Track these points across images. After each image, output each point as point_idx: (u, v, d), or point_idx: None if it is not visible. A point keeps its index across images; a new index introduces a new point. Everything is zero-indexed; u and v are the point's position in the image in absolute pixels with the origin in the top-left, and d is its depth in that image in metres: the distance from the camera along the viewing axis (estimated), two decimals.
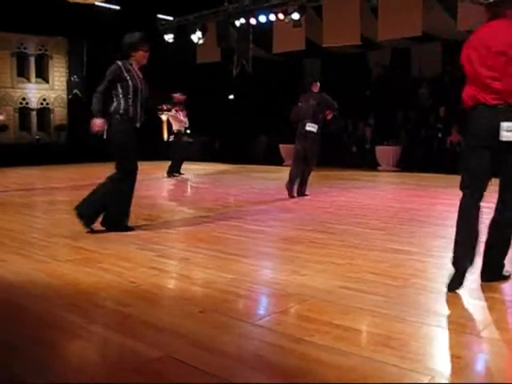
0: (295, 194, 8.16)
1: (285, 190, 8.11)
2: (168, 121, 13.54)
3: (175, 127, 12.30)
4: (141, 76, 5.37)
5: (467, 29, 12.46)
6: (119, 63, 5.23)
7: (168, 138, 12.80)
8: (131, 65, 5.29)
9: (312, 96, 8.18)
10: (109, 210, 5.33)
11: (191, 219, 5.96)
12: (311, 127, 8.06)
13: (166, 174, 12.07)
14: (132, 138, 5.26)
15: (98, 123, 5.14)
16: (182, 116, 12.24)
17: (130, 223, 5.46)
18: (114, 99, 5.24)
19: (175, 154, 12.18)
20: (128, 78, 5.21)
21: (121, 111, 5.19)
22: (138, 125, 5.33)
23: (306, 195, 8.25)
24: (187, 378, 2.20)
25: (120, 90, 5.20)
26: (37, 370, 2.31)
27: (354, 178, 11.54)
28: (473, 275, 3.79)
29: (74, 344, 2.65)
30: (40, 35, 18.03)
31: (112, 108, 5.23)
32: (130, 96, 5.21)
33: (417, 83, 16.12)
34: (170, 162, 12.23)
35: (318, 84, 8.36)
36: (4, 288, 3.53)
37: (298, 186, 8.26)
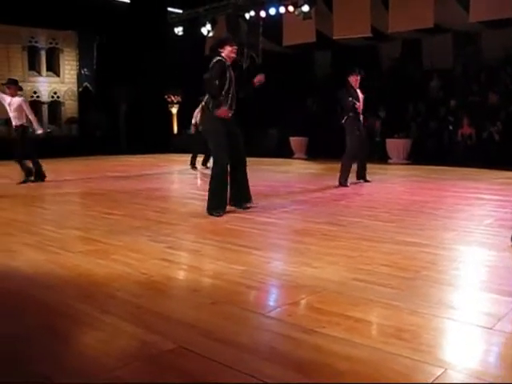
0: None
1: (296, 183, 8.12)
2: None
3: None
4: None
5: (479, 20, 12.42)
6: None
7: (192, 130, 12.64)
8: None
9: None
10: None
11: (202, 211, 5.97)
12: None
13: (202, 165, 12.08)
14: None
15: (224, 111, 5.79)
16: None
17: (142, 214, 5.48)
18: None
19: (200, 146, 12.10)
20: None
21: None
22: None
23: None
24: (201, 369, 2.21)
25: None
26: (51, 360, 2.33)
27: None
28: (483, 268, 3.78)
29: (87, 334, 2.66)
30: (51, 29, 18.10)
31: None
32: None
33: (428, 75, 16.02)
34: (196, 155, 12.22)
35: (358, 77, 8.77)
36: (17, 279, 3.56)
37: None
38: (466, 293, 3.28)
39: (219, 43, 6.00)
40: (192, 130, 12.49)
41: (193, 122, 12.45)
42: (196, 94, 13.19)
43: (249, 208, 6.12)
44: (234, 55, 5.99)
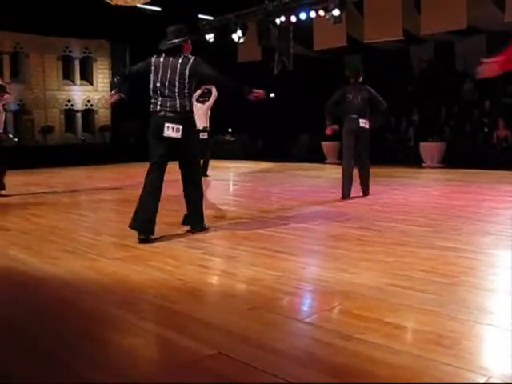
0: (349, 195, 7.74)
1: (328, 188, 8.04)
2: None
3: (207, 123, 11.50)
4: None
5: None
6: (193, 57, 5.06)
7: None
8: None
9: (360, 89, 7.77)
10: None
11: (236, 217, 5.99)
12: (364, 123, 7.70)
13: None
14: None
15: None
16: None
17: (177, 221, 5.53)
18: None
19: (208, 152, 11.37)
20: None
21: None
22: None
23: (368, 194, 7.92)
24: (239, 375, 2.22)
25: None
26: (88, 362, 2.37)
27: (398, 175, 11.38)
28: None
29: (125, 340, 2.69)
30: (84, 38, 18.42)
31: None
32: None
33: (461, 78, 15.78)
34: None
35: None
36: (55, 285, 3.62)
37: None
38: (506, 298, 3.21)
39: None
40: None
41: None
42: (227, 100, 13.26)
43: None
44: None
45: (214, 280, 3.77)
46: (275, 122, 17.34)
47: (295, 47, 15.63)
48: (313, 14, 14.57)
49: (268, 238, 5.00)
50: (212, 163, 12.12)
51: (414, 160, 13.83)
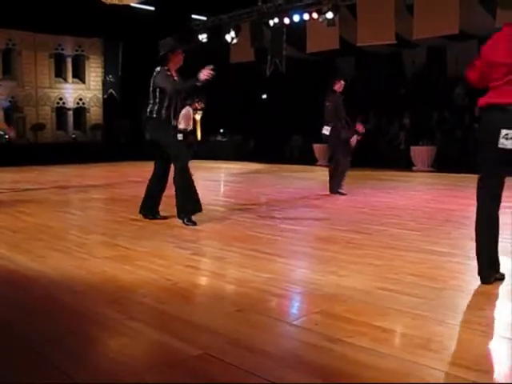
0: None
1: (319, 190, 8.11)
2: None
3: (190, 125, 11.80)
4: (177, 79, 5.79)
5: None
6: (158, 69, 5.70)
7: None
8: (168, 70, 5.70)
9: (331, 97, 8.36)
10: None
11: (226, 218, 5.99)
12: (325, 130, 8.36)
13: None
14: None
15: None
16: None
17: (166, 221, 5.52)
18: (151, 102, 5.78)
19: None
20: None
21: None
22: (174, 123, 5.82)
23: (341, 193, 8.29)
24: (226, 376, 2.21)
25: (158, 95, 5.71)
26: (75, 361, 2.36)
27: (389, 178, 11.43)
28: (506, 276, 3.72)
29: (112, 339, 2.68)
30: (77, 36, 18.36)
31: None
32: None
33: (453, 82, 15.87)
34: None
35: (343, 82, 8.44)
36: (44, 284, 3.60)
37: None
38: (495, 303, 3.23)
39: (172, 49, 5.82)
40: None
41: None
42: (219, 100, 13.26)
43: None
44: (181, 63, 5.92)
45: (203, 281, 3.76)
46: (267, 124, 17.37)
47: (288, 49, 15.65)
48: (306, 16, 14.62)
49: (257, 239, 5.00)
50: (203, 164, 12.12)
51: (404, 163, 13.88)
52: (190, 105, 11.69)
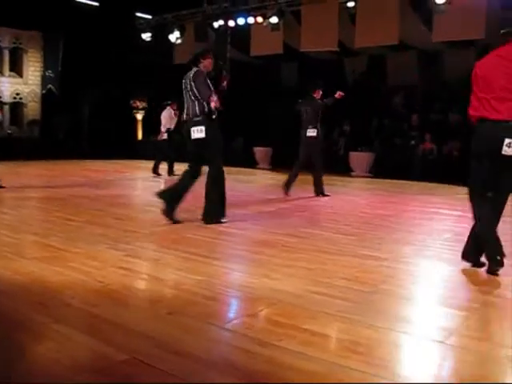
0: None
1: (259, 193, 8.15)
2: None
3: (172, 125, 12.26)
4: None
5: (441, 40, 12.70)
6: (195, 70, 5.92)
7: (159, 136, 12.51)
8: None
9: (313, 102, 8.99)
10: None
11: (163, 220, 5.91)
12: (312, 132, 8.91)
13: (168, 175, 11.91)
14: None
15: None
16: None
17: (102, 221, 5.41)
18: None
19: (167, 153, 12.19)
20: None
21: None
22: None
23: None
24: (152, 381, 2.18)
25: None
26: (3, 371, 2.27)
27: (328, 182, 11.52)
28: (440, 283, 3.85)
29: (39, 343, 2.60)
30: (15, 28, 17.78)
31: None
32: None
33: (392, 91, 16.28)
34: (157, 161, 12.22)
35: (321, 92, 9.18)
36: None
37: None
38: (422, 307, 3.33)
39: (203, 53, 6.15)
40: (162, 136, 12.32)
41: (164, 128, 12.28)
42: (161, 100, 13.15)
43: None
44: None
45: (135, 283, 3.70)
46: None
47: (232, 52, 15.66)
48: (251, 19, 14.68)
49: (194, 241, 4.97)
50: (145, 164, 11.99)
51: (343, 169, 14.12)
52: (169, 105, 12.25)
